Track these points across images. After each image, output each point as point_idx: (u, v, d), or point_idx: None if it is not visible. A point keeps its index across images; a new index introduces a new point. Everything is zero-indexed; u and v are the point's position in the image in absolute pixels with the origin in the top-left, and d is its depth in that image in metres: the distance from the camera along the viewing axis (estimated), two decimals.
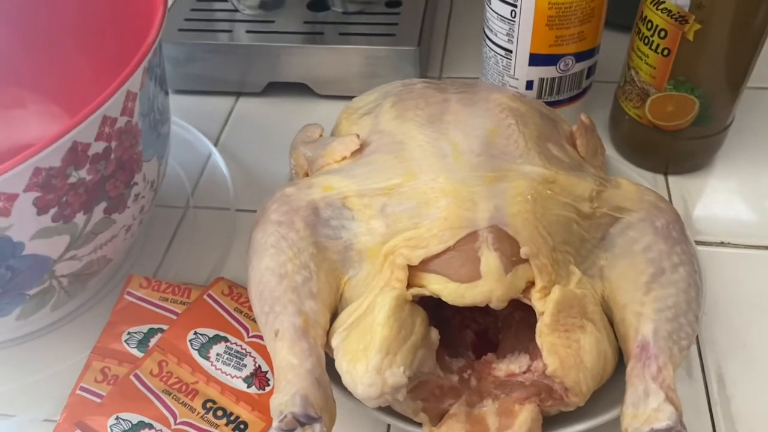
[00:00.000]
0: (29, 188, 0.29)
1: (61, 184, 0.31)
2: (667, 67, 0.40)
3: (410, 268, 0.32)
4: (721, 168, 0.48)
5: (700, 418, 0.35)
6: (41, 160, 0.29)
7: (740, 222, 0.44)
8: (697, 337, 0.39)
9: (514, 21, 0.43)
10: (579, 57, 0.45)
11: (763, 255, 0.42)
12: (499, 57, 0.46)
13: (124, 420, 0.35)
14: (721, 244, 0.43)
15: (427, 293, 0.31)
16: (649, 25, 0.40)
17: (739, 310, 0.40)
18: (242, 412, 0.36)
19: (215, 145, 0.53)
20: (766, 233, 0.44)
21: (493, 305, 0.31)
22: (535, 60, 0.45)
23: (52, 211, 0.31)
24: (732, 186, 0.47)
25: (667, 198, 0.46)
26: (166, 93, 0.40)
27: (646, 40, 0.40)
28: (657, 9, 0.38)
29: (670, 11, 0.37)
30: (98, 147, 0.32)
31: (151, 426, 0.35)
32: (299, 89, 0.55)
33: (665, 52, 0.39)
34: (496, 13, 0.44)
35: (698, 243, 0.43)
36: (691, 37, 0.38)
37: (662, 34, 0.39)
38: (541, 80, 0.46)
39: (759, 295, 0.40)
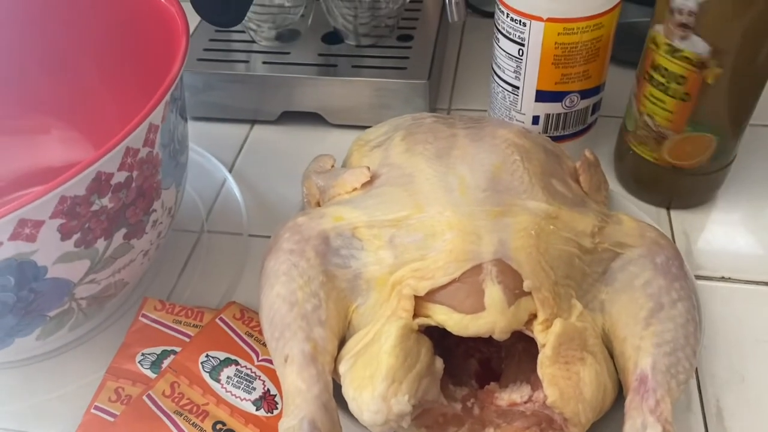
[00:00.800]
0: (55, 215, 0.31)
1: (84, 212, 0.32)
2: (687, 111, 0.41)
3: (416, 298, 0.33)
4: (723, 203, 0.49)
5: None
6: (67, 189, 0.30)
7: (741, 257, 0.45)
8: (696, 370, 0.39)
9: (522, 59, 0.45)
10: (584, 94, 0.46)
11: (764, 290, 0.43)
12: (506, 93, 0.48)
13: None
14: (722, 278, 0.44)
15: (433, 323, 0.32)
16: (664, 73, 0.40)
17: (738, 345, 0.40)
18: None
19: (230, 171, 0.55)
20: (766, 269, 0.44)
21: (496, 336, 0.32)
22: (541, 96, 0.46)
23: (75, 237, 0.33)
24: (734, 221, 0.48)
25: (669, 232, 0.47)
26: (186, 120, 0.41)
27: (662, 87, 0.41)
28: (673, 57, 0.38)
29: (688, 59, 0.38)
30: (121, 176, 0.33)
31: None
32: (312, 118, 0.57)
33: (685, 97, 0.40)
34: (504, 51, 0.46)
35: (699, 277, 0.44)
36: (711, 81, 0.39)
37: (680, 80, 0.39)
38: (547, 116, 0.47)
39: (758, 330, 0.41)
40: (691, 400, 0.38)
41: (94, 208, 0.33)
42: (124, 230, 0.35)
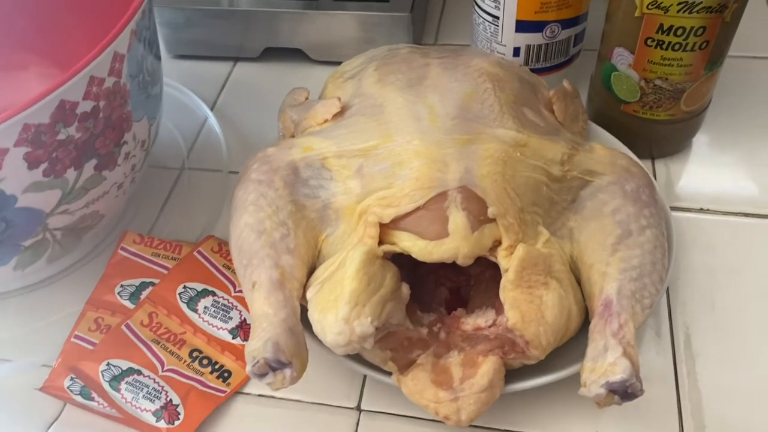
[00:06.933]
0: (19, 143, 0.31)
1: (50, 141, 0.32)
2: (705, 57, 0.40)
3: (382, 226, 0.33)
4: (705, 136, 0.48)
5: (665, 375, 0.37)
6: (29, 117, 0.30)
7: (720, 191, 0.45)
8: (668, 297, 0.40)
9: None
10: (565, 24, 0.45)
11: (740, 221, 0.43)
12: (487, 23, 0.47)
13: (114, 366, 0.37)
14: (701, 210, 0.44)
15: (398, 250, 0.33)
16: (679, 32, 0.39)
17: (711, 274, 0.41)
18: (227, 361, 0.38)
19: (212, 109, 0.54)
20: (743, 201, 0.44)
21: (459, 262, 0.32)
22: (522, 27, 0.45)
23: (43, 166, 0.33)
24: (713, 157, 0.47)
25: (651, 168, 0.47)
26: (157, 57, 0.41)
27: (677, 46, 0.40)
28: (690, 13, 0.38)
29: (709, 7, 0.38)
30: (86, 106, 0.33)
31: (139, 372, 0.37)
32: (295, 55, 0.56)
33: (703, 45, 0.39)
34: None
35: (679, 209, 0.44)
36: (729, 18, 0.38)
37: (699, 31, 0.39)
38: (528, 47, 0.46)
39: (732, 260, 0.41)
40: (660, 326, 0.39)
41: (60, 137, 0.33)
42: (94, 161, 0.36)
